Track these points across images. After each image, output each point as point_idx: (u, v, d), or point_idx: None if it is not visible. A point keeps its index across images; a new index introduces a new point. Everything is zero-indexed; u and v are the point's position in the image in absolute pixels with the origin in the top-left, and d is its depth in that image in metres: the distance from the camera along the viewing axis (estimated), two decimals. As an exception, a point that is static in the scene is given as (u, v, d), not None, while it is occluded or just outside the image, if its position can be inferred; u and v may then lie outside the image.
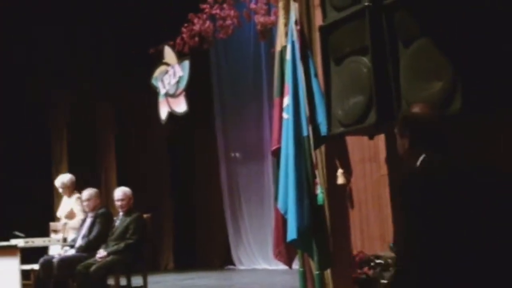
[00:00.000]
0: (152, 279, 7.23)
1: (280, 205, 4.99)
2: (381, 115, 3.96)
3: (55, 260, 7.02)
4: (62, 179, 8.07)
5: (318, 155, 5.07)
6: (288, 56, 5.02)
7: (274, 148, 5.19)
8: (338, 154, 4.93)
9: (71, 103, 12.07)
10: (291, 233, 4.83)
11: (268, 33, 9.35)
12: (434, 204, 2.76)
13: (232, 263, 11.78)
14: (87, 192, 7.49)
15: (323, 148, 5.11)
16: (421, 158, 2.92)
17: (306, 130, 4.90)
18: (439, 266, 2.70)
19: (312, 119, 4.93)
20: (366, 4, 4.04)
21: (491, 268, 2.74)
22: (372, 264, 4.20)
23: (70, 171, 11.30)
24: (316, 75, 4.97)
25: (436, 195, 2.77)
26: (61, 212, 8.10)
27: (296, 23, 5.03)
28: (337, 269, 5.11)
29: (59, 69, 11.77)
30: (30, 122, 11.67)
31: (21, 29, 11.00)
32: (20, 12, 10.86)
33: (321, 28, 4.49)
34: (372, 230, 4.78)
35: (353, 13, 4.17)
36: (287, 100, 5.00)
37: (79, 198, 7.82)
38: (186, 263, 12.22)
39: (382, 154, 4.59)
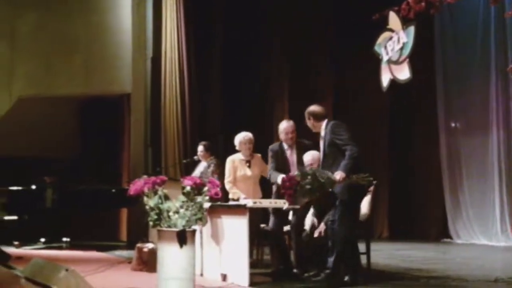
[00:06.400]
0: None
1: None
2: None
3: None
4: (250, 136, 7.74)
5: None
6: (540, 19, 4.68)
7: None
8: None
9: (292, 69, 12.34)
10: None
11: (501, -4, 8.84)
12: None
13: (449, 236, 11.45)
14: (312, 156, 7.42)
15: None
16: None
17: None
18: None
19: None
20: None
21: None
22: None
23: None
24: None
25: None
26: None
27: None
28: None
29: (280, 38, 12.12)
30: (253, 91, 12.16)
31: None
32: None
33: None
34: None
35: None
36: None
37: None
38: (400, 233, 12.08)
39: None
